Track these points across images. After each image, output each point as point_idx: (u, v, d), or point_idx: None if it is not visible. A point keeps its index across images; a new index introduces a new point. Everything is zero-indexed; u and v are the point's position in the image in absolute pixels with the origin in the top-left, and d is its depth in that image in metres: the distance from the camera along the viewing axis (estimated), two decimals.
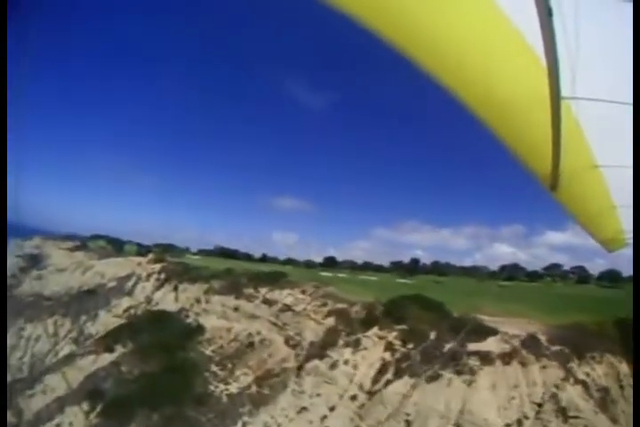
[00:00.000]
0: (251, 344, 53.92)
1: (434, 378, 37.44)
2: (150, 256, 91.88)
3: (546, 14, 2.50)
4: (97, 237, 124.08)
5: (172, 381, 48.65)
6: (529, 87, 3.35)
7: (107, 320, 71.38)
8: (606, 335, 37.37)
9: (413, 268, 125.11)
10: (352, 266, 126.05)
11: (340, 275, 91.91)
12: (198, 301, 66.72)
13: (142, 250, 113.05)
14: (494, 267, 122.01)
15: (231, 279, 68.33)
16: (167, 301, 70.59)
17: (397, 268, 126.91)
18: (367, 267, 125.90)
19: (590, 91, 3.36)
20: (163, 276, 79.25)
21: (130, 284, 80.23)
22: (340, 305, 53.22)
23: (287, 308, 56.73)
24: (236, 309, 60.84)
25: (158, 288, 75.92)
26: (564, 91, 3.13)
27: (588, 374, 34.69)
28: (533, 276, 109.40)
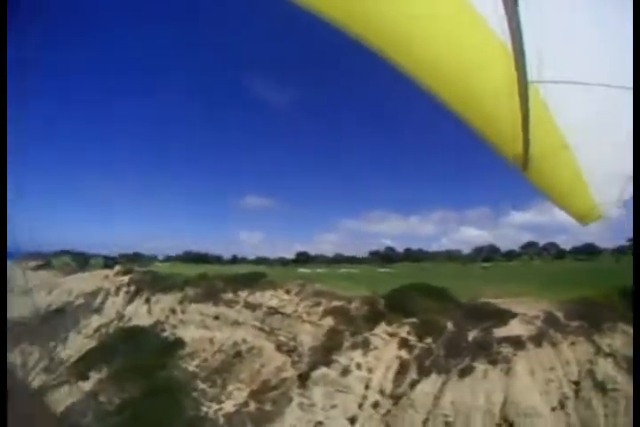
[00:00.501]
0: (238, 354, 49.05)
1: (467, 371, 33.41)
2: (117, 268, 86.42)
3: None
4: (61, 253, 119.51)
5: (158, 405, 43.55)
6: (496, 73, 3.26)
7: (78, 343, 65.85)
8: (612, 305, 35.43)
9: (388, 257, 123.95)
10: (326, 260, 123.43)
11: (319, 270, 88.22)
12: (173, 311, 61.62)
13: (109, 262, 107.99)
14: (467, 250, 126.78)
15: (206, 285, 63.02)
16: (140, 315, 65.18)
17: (373, 258, 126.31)
18: (340, 259, 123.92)
19: (557, 73, 3.33)
20: (132, 288, 73.64)
21: (98, 300, 74.49)
22: (335, 303, 48.47)
23: (274, 311, 51.87)
24: (216, 317, 55.82)
25: (129, 302, 70.32)
26: (531, 75, 3.11)
27: (610, 346, 32.13)
28: (510, 255, 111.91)
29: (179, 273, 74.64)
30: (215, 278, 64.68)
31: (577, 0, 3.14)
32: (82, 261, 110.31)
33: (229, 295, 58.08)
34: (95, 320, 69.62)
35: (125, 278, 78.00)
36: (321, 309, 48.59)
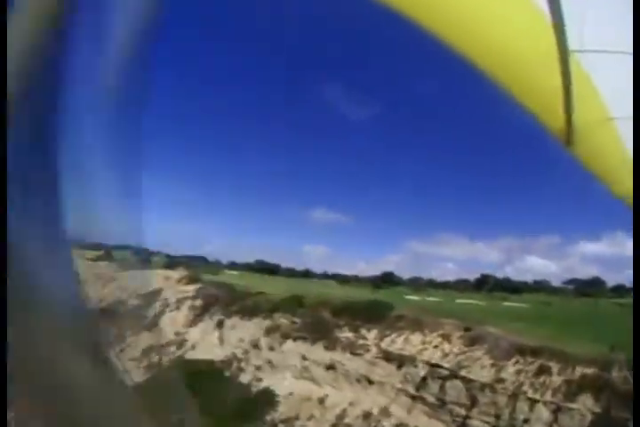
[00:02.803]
0: None
1: None
2: (180, 272, 68.46)
3: None
4: (122, 247, 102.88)
5: None
6: (537, 43, 3.18)
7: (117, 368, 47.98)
8: None
9: (480, 285, 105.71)
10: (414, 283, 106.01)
11: (430, 298, 68.17)
12: (257, 346, 42.50)
13: (171, 262, 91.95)
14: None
15: (307, 313, 43.59)
16: (208, 343, 46.12)
17: (464, 285, 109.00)
18: (423, 283, 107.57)
19: (599, 43, 3.22)
20: (199, 302, 55.09)
21: (153, 310, 56.69)
22: (562, 367, 27.41)
23: (440, 371, 31.61)
24: (330, 366, 36.52)
25: (194, 322, 51.66)
26: (573, 44, 3.02)
27: None
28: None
29: (259, 289, 55.60)
30: (318, 304, 44.76)
31: None
32: (144, 257, 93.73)
33: (347, 334, 38.17)
34: (145, 339, 51.26)
35: (190, 289, 59.50)
36: (549, 379, 27.33)
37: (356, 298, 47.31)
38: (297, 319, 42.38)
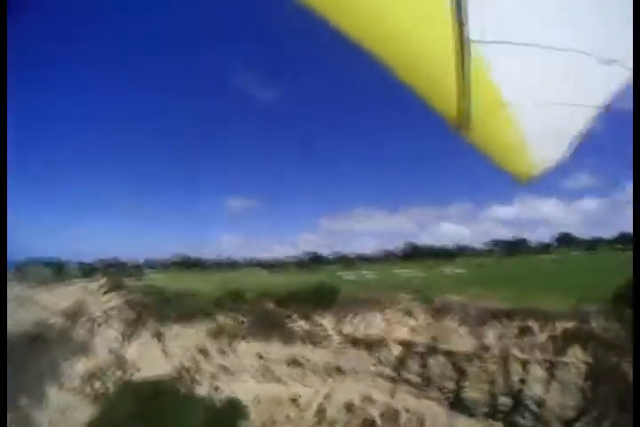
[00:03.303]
0: (369, 424, 28.16)
1: None
2: (101, 280, 62.76)
3: None
4: (31, 260, 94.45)
5: None
6: (435, 32, 3.07)
7: (60, 403, 43.11)
8: None
9: (407, 255, 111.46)
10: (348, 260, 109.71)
11: (365, 273, 67.58)
12: (205, 353, 39.16)
13: (86, 268, 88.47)
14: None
15: (250, 308, 40.45)
16: (151, 359, 42.10)
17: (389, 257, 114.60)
18: (364, 259, 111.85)
19: (499, 33, 3.18)
20: (129, 314, 50.48)
21: (82, 330, 51.36)
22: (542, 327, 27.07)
23: (414, 348, 29.99)
24: (293, 361, 33.97)
25: (130, 337, 47.17)
26: (474, 34, 2.97)
27: None
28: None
29: (191, 290, 51.67)
30: (259, 297, 41.68)
31: None
32: (55, 268, 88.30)
33: (300, 324, 35.72)
34: (82, 365, 46.32)
35: (116, 299, 54.38)
36: (533, 338, 26.72)
37: (294, 284, 45.01)
38: (241, 317, 39.35)
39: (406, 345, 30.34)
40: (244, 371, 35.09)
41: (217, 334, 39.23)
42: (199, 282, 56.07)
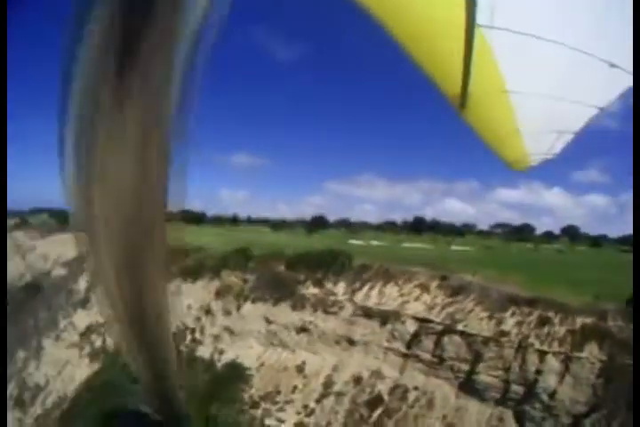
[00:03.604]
0: (375, 402, 26.43)
1: None
2: None
3: None
4: (38, 210, 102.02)
5: None
6: (446, 12, 3.17)
7: (56, 357, 41.64)
8: None
9: (415, 227, 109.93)
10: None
11: (374, 242, 65.09)
12: (209, 312, 37.04)
13: None
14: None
15: (259, 269, 37.97)
16: None
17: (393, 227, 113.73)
18: (364, 227, 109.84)
19: (508, 22, 3.27)
20: None
21: (83, 283, 49.42)
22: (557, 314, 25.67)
23: (430, 325, 28.02)
24: (302, 329, 31.82)
25: None
26: (482, 19, 3.04)
27: None
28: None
29: (195, 244, 49.25)
30: (268, 258, 39.06)
31: None
32: (62, 219, 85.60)
33: (312, 291, 33.23)
34: (81, 318, 44.62)
35: None
36: (553, 330, 25.08)
37: (303, 246, 42.39)
38: (249, 277, 36.92)
39: (422, 321, 28.42)
40: (249, 334, 33.06)
41: (222, 293, 36.98)
42: (203, 237, 53.46)
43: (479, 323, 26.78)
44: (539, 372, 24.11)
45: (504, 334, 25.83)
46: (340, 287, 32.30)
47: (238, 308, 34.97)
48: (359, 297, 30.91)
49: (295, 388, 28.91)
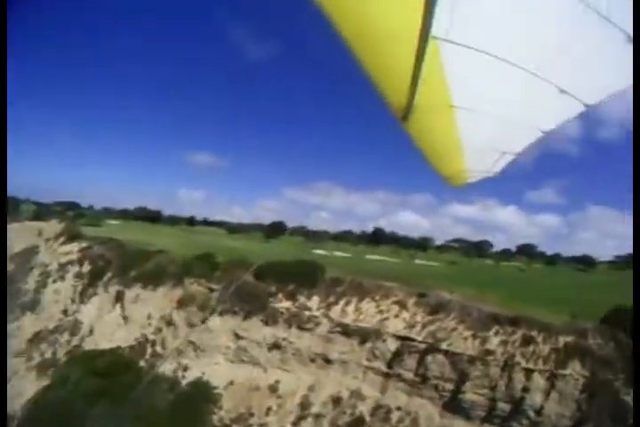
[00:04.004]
0: (358, 422, 25.14)
1: None
2: (56, 225, 56.10)
3: None
4: None
5: None
6: (403, 19, 2.94)
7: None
8: None
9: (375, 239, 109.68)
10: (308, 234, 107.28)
11: (339, 253, 63.56)
12: (171, 323, 34.28)
13: (43, 210, 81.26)
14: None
15: (226, 277, 35.17)
16: (108, 324, 37.03)
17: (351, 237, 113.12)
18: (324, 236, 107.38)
19: (465, 37, 3.14)
20: (86, 268, 44.71)
21: (33, 280, 45.61)
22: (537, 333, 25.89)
23: (410, 344, 26.85)
24: (274, 345, 29.62)
25: (85, 296, 41.63)
26: (438, 31, 2.90)
27: None
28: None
29: (154, 245, 45.99)
30: (234, 266, 36.36)
31: None
32: (11, 205, 79.53)
33: (284, 304, 30.98)
34: (30, 322, 41.08)
35: (73, 249, 48.20)
36: (537, 348, 25.30)
37: (267, 254, 40.26)
38: (215, 286, 34.31)
39: (403, 340, 27.32)
40: (215, 350, 30.70)
41: (186, 302, 34.31)
42: (163, 238, 50.45)
43: (464, 342, 26.09)
44: (525, 389, 24.26)
45: (490, 352, 25.46)
46: (314, 301, 30.39)
47: (204, 320, 32.41)
48: (335, 313, 29.17)
49: (269, 409, 26.98)
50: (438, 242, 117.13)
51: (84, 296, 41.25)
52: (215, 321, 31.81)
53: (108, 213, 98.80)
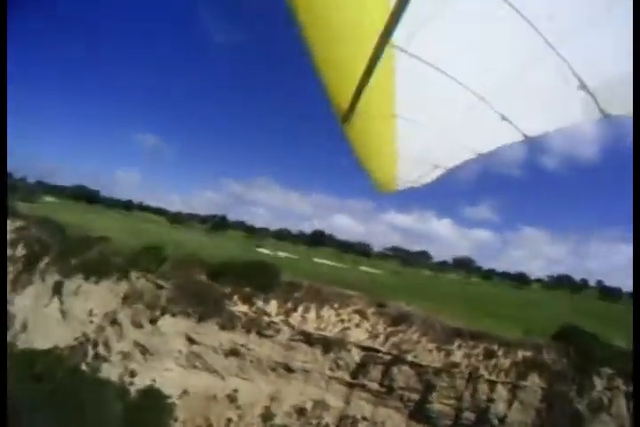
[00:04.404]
0: None
1: None
2: None
3: None
4: None
5: None
6: (366, 23, 2.94)
7: None
8: None
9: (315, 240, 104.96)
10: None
11: (282, 254, 60.63)
12: (115, 322, 31.44)
13: None
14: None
15: (176, 274, 32.42)
16: (44, 319, 33.68)
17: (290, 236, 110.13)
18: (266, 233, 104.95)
19: (422, 51, 3.14)
20: (21, 252, 40.40)
21: None
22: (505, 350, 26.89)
23: (394, 359, 26.30)
24: (231, 351, 27.67)
25: (19, 285, 37.69)
26: (398, 41, 2.92)
27: None
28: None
29: (95, 230, 42.12)
30: (185, 262, 33.55)
31: (488, 13, 2.85)
32: None
33: (241, 308, 28.86)
34: None
35: (7, 228, 43.46)
36: (498, 362, 26.52)
37: (219, 251, 37.77)
38: (163, 282, 31.56)
39: (367, 350, 26.84)
40: (167, 354, 28.37)
41: (131, 299, 31.52)
42: (102, 222, 46.53)
43: (429, 354, 26.24)
44: (490, 400, 25.19)
45: (455, 365, 25.90)
46: (272, 306, 28.55)
47: (152, 320, 29.85)
48: (295, 320, 27.60)
49: (229, 421, 25.60)
50: (376, 249, 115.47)
51: (16, 285, 37.40)
52: (166, 322, 29.35)
53: (44, 188, 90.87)
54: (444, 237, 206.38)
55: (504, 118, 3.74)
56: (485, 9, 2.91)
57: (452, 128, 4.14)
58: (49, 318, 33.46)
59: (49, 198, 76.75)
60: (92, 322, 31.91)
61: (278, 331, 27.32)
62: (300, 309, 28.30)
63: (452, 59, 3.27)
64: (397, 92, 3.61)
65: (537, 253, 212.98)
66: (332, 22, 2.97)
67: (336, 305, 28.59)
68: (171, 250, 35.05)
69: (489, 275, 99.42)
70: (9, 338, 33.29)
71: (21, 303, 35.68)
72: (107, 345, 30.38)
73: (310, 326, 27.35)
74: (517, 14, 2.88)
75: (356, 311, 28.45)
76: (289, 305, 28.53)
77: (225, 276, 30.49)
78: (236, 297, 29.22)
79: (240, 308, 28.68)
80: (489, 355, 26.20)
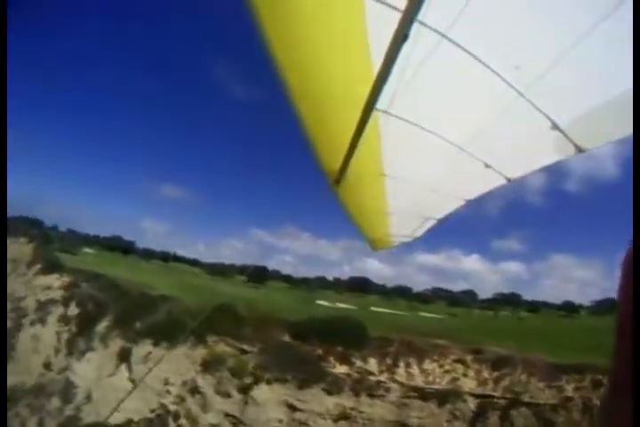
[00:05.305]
0: None
1: None
2: (26, 246, 47.76)
3: (400, 36, 2.45)
4: None
5: None
6: (352, 89, 3.07)
7: None
8: None
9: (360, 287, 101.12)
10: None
11: (341, 305, 58.77)
12: (197, 392, 28.71)
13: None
14: None
15: (258, 336, 30.09)
16: (112, 387, 30.64)
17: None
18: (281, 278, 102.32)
19: (403, 110, 3.33)
20: (73, 310, 37.70)
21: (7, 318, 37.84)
22: None
23: (510, 402, 26.40)
24: (342, 417, 25.35)
25: (74, 347, 34.77)
26: (381, 104, 3.08)
27: None
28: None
29: (153, 287, 39.90)
30: (263, 321, 31.38)
31: (456, 73, 3.00)
32: None
33: (340, 370, 26.98)
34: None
35: (54, 284, 40.74)
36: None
37: (288, 307, 36.07)
38: (247, 346, 29.29)
39: (482, 397, 26.77)
40: (264, 425, 25.87)
41: (212, 365, 29.11)
42: (151, 276, 44.37)
43: (542, 393, 26.31)
44: None
45: (569, 399, 25.96)
46: (372, 364, 26.76)
47: (242, 389, 27.40)
48: (402, 376, 26.18)
49: None
50: (415, 290, 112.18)
51: (73, 348, 34.60)
52: (262, 390, 26.85)
53: (79, 237, 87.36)
54: (476, 272, 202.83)
55: (487, 166, 3.80)
56: (457, 67, 2.90)
57: (438, 181, 4.21)
58: (117, 388, 30.61)
59: (88, 250, 73.88)
60: (168, 392, 29.26)
61: (388, 390, 25.82)
62: (401, 364, 26.85)
63: (431, 115, 3.37)
64: (384, 152, 3.73)
65: (568, 278, 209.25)
66: (319, 89, 3.02)
67: (435, 357, 28.21)
68: (243, 308, 32.79)
69: (536, 307, 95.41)
70: (70, 411, 30.38)
71: (82, 371, 32.96)
72: (189, 418, 27.70)
73: (419, 381, 26.92)
74: (486, 68, 2.88)
75: (456, 361, 28.22)
76: (388, 361, 27.05)
77: (310, 335, 28.58)
78: (331, 358, 27.26)
79: (339, 369, 26.77)
80: (597, 385, 26.05)
